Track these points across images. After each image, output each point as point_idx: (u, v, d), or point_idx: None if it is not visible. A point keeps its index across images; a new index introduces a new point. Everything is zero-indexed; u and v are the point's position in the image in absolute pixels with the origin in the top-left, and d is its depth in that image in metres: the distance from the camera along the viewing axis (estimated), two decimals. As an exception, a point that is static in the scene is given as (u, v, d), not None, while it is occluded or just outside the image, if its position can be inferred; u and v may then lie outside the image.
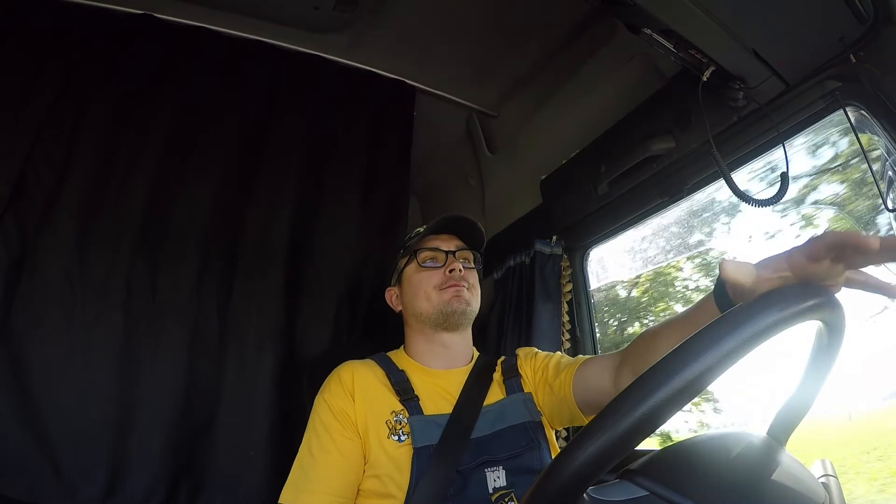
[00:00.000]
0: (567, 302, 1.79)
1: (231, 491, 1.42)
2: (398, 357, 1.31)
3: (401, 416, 1.13)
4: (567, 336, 1.75)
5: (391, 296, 1.40)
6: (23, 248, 1.37)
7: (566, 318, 1.77)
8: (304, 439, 1.14)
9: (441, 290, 1.25)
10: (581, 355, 1.25)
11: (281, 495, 1.07)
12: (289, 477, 1.09)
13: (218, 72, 1.70)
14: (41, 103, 1.46)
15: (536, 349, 1.36)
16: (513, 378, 1.27)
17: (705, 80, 1.17)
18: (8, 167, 1.38)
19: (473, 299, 1.29)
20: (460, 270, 1.27)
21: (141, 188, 1.51)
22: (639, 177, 1.52)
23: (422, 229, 1.35)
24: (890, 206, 1.05)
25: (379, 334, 1.54)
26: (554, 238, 1.82)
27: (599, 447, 0.43)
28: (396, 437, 1.10)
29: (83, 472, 1.29)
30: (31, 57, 1.48)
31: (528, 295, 1.79)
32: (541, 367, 1.27)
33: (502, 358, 1.35)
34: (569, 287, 1.79)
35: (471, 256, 1.35)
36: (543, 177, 1.86)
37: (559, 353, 1.31)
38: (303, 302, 1.63)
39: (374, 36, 1.76)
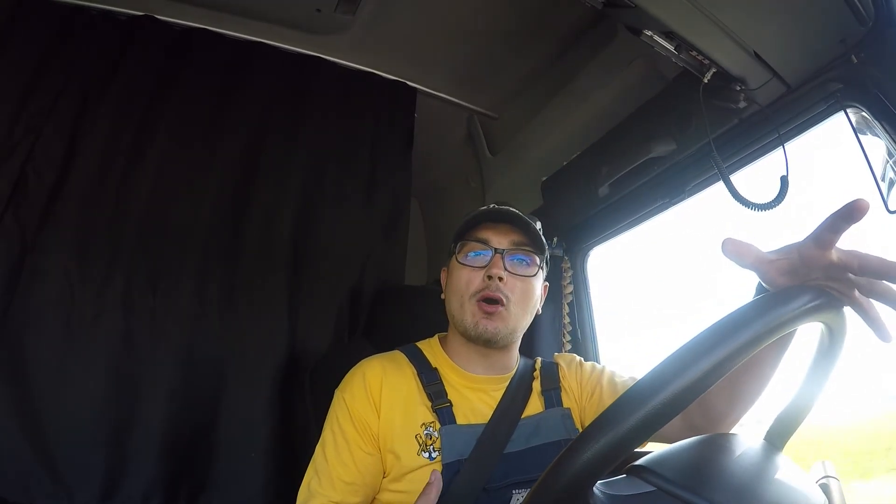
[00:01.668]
0: (568, 303, 1.79)
1: (231, 493, 1.41)
2: (433, 351, 1.14)
3: (431, 430, 1.00)
4: (568, 338, 1.75)
5: (443, 277, 1.18)
6: (23, 246, 1.37)
7: (567, 319, 1.77)
8: (322, 437, 1.04)
9: (475, 302, 1.05)
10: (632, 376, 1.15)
11: (298, 494, 1.00)
12: (305, 476, 1.02)
13: (219, 73, 1.70)
14: (42, 103, 1.46)
15: (577, 357, 1.23)
16: (552, 391, 1.13)
17: (706, 82, 1.17)
18: (9, 166, 1.39)
19: (511, 319, 1.06)
20: (501, 280, 1.04)
21: (142, 188, 1.51)
22: (639, 179, 1.52)
23: (486, 208, 1.15)
24: (891, 207, 1.05)
25: (380, 335, 1.53)
26: (555, 240, 1.82)
27: (609, 441, 0.44)
28: (427, 455, 0.98)
29: (80, 474, 1.28)
30: (32, 57, 1.48)
31: (529, 296, 1.79)
32: (591, 381, 1.14)
33: (539, 362, 1.21)
34: (570, 288, 1.79)
35: (529, 257, 1.10)
36: (544, 178, 1.86)
37: (607, 368, 1.18)
38: (304, 303, 1.63)
39: (375, 38, 1.77)
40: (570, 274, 1.81)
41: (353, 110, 1.86)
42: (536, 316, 1.67)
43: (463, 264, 1.09)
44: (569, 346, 1.74)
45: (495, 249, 1.07)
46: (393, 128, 1.92)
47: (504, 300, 1.04)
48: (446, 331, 1.18)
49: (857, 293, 0.59)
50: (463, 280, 1.07)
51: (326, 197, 1.75)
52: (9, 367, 1.28)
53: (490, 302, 1.04)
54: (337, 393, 1.07)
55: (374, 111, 1.90)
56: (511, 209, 1.13)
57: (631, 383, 1.03)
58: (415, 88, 1.96)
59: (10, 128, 1.41)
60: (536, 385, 1.14)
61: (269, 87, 1.76)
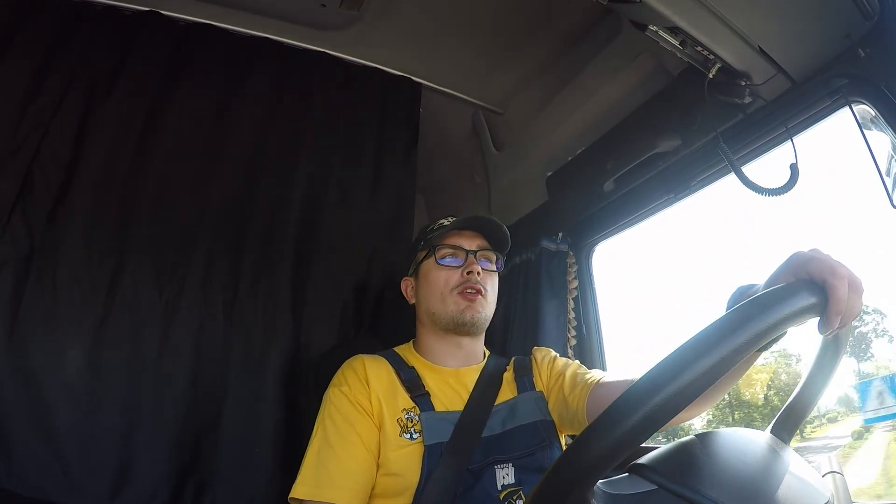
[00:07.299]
0: (573, 299, 1.79)
1: (237, 488, 1.41)
2: (407, 353, 1.27)
3: (412, 414, 1.10)
4: (573, 333, 1.75)
5: (406, 286, 1.34)
6: (31, 247, 1.37)
7: (572, 314, 1.77)
8: (316, 431, 1.10)
9: (457, 294, 1.20)
10: (598, 371, 1.22)
11: (294, 490, 1.01)
12: (303, 471, 1.04)
13: (224, 69, 1.70)
14: (48, 101, 1.46)
15: (553, 352, 1.34)
16: (525, 377, 1.26)
17: (711, 77, 1.17)
18: (15, 165, 1.39)
19: (488, 307, 1.24)
20: (478, 274, 1.21)
21: (148, 186, 1.51)
22: (645, 174, 1.53)
23: (445, 221, 1.30)
24: (895, 203, 1.05)
25: (386, 331, 1.54)
26: (560, 235, 1.82)
27: (612, 440, 0.44)
28: (408, 435, 1.07)
29: (91, 470, 1.29)
30: (37, 55, 1.48)
31: (535, 292, 1.80)
32: (558, 373, 1.24)
33: (514, 357, 1.33)
34: (575, 284, 1.79)
35: (493, 257, 1.29)
36: (549, 174, 1.87)
37: (576, 362, 1.29)
38: (309, 299, 1.62)
39: (380, 33, 1.77)
40: (574, 269, 1.80)
41: (358, 106, 1.86)
42: (541, 311, 1.72)
43: (441, 265, 1.24)
44: (574, 342, 1.75)
45: (468, 252, 1.24)
46: (398, 123, 1.92)
47: (483, 290, 1.22)
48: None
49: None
50: (442, 279, 1.23)
51: (331, 192, 1.75)
52: (20, 367, 1.28)
53: (472, 291, 1.20)
54: (330, 389, 1.16)
55: (379, 106, 1.89)
56: (477, 216, 1.28)
57: (591, 380, 1.15)
58: (420, 84, 1.96)
59: (16, 126, 1.41)
60: (509, 374, 1.27)
61: (275, 82, 1.76)
